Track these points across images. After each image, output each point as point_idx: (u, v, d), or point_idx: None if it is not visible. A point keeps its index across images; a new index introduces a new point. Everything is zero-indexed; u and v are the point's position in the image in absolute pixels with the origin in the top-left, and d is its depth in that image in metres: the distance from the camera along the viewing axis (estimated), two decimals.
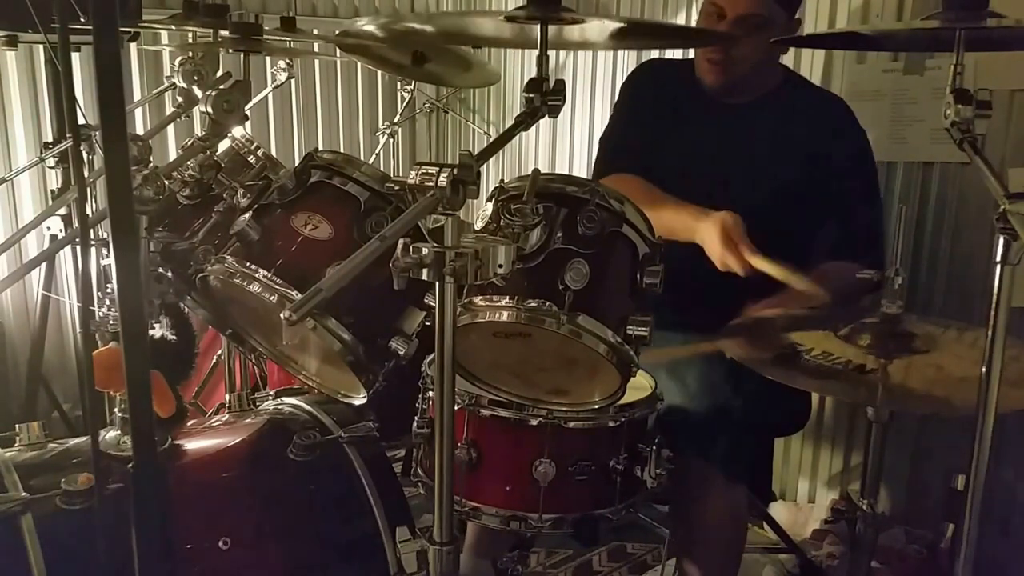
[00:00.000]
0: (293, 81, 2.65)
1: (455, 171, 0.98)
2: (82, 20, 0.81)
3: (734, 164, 1.86)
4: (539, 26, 1.18)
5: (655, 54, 2.49)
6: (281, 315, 0.93)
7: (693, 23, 2.76)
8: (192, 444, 1.47)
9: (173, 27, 2.12)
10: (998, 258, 1.05)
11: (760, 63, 1.89)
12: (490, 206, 1.28)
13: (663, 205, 1.73)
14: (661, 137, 1.97)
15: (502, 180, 1.32)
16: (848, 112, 1.93)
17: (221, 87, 1.43)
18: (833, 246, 1.81)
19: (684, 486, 1.68)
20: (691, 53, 2.40)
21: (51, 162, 2.32)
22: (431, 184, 0.97)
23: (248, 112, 1.47)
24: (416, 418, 1.54)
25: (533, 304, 1.22)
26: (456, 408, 1.33)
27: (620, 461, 1.47)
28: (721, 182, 1.84)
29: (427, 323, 1.38)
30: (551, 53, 1.23)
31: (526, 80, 1.20)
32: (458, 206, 0.99)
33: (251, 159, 1.51)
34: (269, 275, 1.32)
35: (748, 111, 1.93)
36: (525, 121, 1.20)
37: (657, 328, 1.29)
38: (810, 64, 2.48)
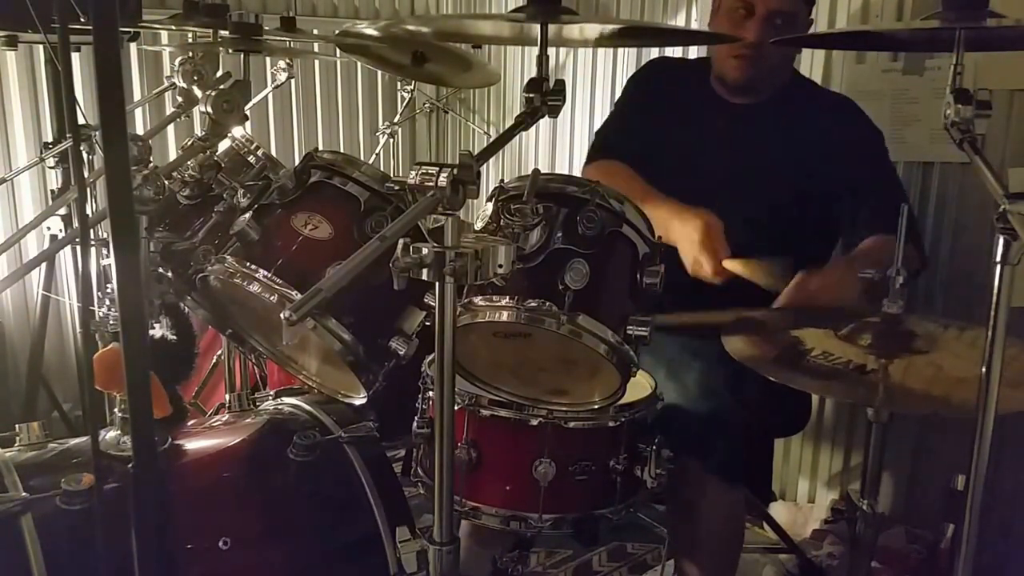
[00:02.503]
0: (293, 81, 2.65)
1: (455, 171, 0.98)
2: (82, 20, 0.81)
3: (742, 163, 1.86)
4: (539, 26, 1.19)
5: (655, 52, 2.50)
6: (281, 315, 0.93)
7: (693, 23, 2.78)
8: (192, 444, 1.47)
9: (173, 27, 2.12)
10: (998, 258, 1.05)
11: (781, 60, 1.89)
12: (490, 206, 1.28)
13: (643, 197, 1.71)
14: (665, 135, 1.96)
15: (502, 180, 1.32)
16: (860, 112, 1.93)
17: (221, 87, 1.43)
18: (871, 224, 1.78)
19: (682, 486, 1.68)
20: (692, 53, 2.41)
21: (51, 162, 2.32)
22: (431, 184, 0.98)
23: (248, 112, 1.47)
24: (416, 418, 1.54)
25: (533, 304, 1.22)
26: (456, 408, 1.33)
27: (620, 461, 1.47)
28: (728, 181, 1.84)
29: (427, 323, 1.38)
30: (551, 52, 1.23)
31: (526, 80, 1.20)
32: (458, 206, 0.99)
33: (251, 159, 1.51)
34: (269, 275, 1.32)
35: (757, 111, 1.92)
36: (525, 121, 1.20)
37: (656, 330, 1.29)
38: (810, 64, 2.48)
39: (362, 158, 2.33)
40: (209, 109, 1.42)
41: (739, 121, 1.92)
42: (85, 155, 2.05)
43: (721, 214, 1.68)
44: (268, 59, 2.76)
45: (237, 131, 1.48)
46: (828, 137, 1.85)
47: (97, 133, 0.88)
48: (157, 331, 1.50)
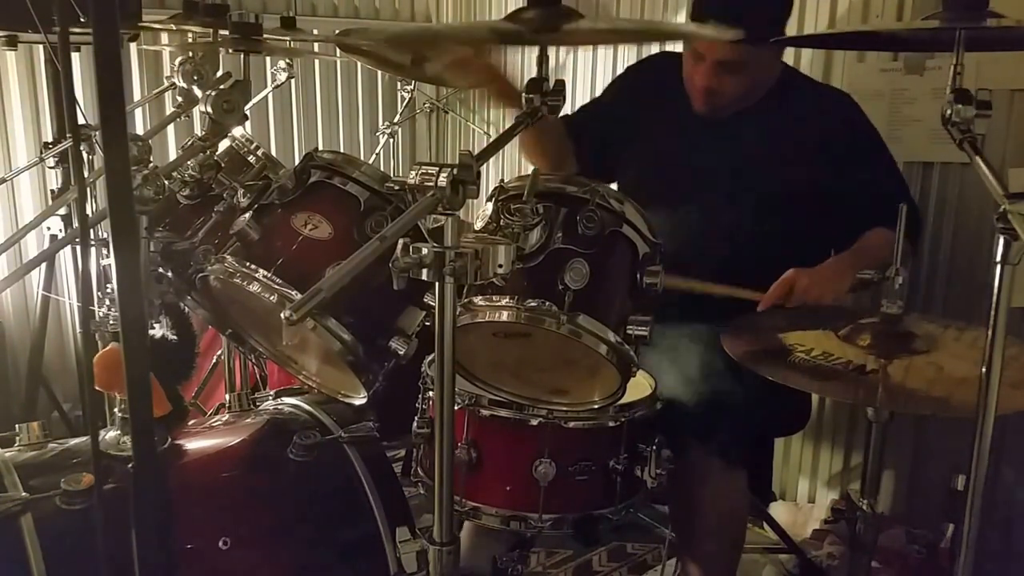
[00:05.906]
0: (293, 81, 2.65)
1: (455, 171, 0.98)
2: (82, 20, 0.81)
3: (719, 171, 1.85)
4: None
5: (656, 50, 2.49)
6: (281, 315, 0.93)
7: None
8: (192, 444, 1.47)
9: (173, 27, 2.12)
10: (998, 258, 1.05)
11: (749, 85, 1.85)
12: (490, 206, 1.28)
13: None
14: (647, 134, 1.96)
15: (502, 180, 1.32)
16: (854, 106, 1.90)
17: (221, 87, 1.43)
18: (871, 217, 1.78)
19: (685, 475, 1.67)
20: None
21: (51, 162, 2.32)
22: (431, 184, 0.98)
23: (248, 112, 1.47)
24: (416, 418, 1.54)
25: (533, 304, 1.22)
26: (456, 408, 1.33)
27: (620, 461, 1.47)
28: (702, 188, 1.83)
29: (427, 323, 1.38)
30: (551, 52, 1.23)
31: (526, 80, 1.20)
32: (458, 206, 0.99)
33: (251, 159, 1.51)
34: (269, 275, 1.32)
35: (740, 119, 1.89)
36: (525, 121, 1.20)
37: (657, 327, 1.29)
38: (810, 64, 2.48)
39: (362, 158, 2.33)
40: (209, 109, 1.42)
41: (716, 130, 1.90)
42: (85, 155, 2.04)
43: (694, 223, 1.71)
44: (268, 59, 2.76)
45: (237, 131, 1.48)
46: (821, 137, 1.83)
47: (97, 133, 0.88)
48: (157, 331, 1.49)
